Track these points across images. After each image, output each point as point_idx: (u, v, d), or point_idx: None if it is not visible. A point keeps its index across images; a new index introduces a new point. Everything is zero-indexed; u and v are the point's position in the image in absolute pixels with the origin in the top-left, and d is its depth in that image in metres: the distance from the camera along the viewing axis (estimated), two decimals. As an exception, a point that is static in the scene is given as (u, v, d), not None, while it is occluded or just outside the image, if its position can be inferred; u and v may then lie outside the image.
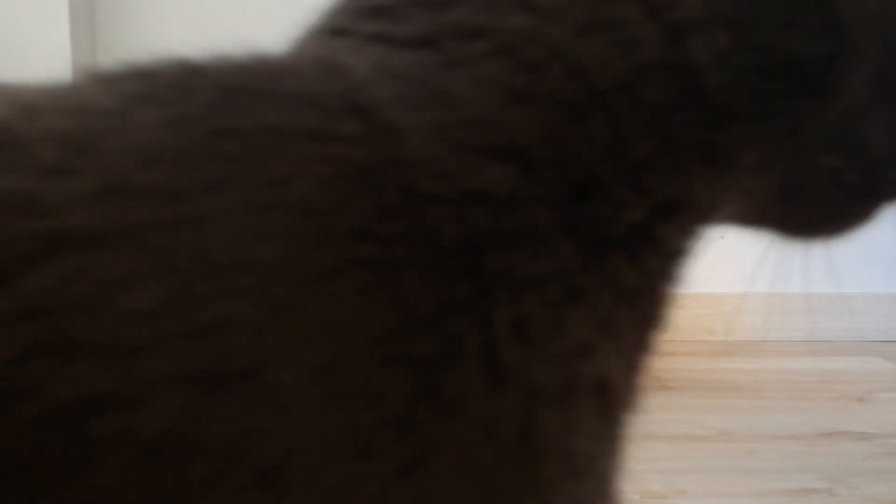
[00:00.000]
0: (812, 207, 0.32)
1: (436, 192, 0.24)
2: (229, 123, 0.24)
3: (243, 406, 0.21)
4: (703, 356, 1.34)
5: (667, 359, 1.26)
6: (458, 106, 0.26)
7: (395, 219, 0.24)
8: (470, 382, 0.23)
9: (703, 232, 0.30)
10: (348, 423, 0.22)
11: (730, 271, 1.41)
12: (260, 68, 0.27)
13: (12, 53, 1.23)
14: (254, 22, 1.39)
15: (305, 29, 0.33)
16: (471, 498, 0.23)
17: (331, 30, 0.31)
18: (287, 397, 0.21)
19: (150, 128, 0.23)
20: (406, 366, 0.23)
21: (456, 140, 0.26)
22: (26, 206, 0.20)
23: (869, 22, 0.29)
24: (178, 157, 0.23)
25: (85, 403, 0.19)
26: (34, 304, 0.19)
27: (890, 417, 1.06)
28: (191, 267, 0.21)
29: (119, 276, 0.20)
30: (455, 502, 0.23)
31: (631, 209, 0.28)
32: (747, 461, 0.90)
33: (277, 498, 0.21)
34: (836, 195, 0.31)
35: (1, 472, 0.19)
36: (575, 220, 0.27)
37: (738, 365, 1.30)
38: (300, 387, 0.21)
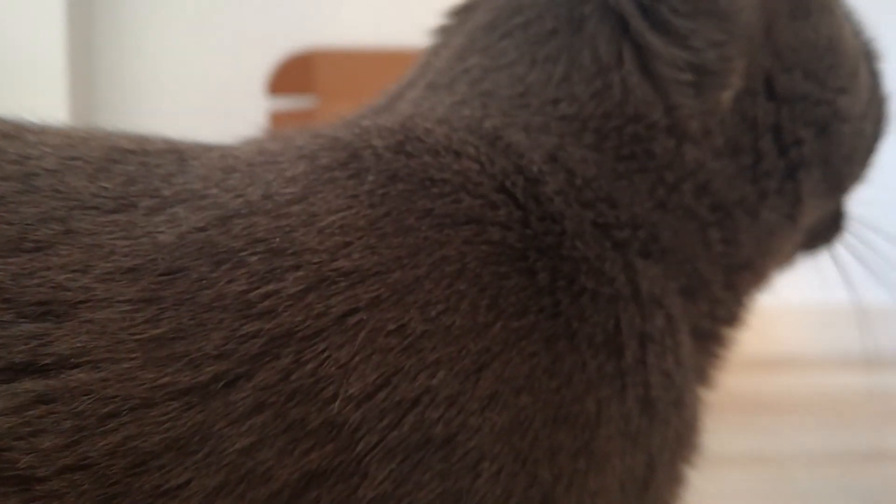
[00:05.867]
0: (823, 238, 0.43)
1: (591, 288, 0.29)
2: (399, 205, 0.27)
3: (444, 470, 0.24)
4: (734, 371, 1.28)
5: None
6: (620, 210, 0.32)
7: (549, 299, 0.28)
8: (613, 443, 0.28)
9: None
10: (530, 481, 0.25)
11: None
12: (416, 146, 0.29)
13: (5, 54, 1.22)
14: (250, 21, 1.38)
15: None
16: None
17: (485, 93, 0.34)
18: (477, 459, 0.24)
19: (332, 212, 0.26)
20: (570, 425, 0.27)
21: (614, 243, 0.31)
22: (246, 309, 0.23)
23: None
24: (364, 238, 0.26)
25: (308, 479, 0.22)
26: (262, 399, 0.22)
27: (937, 438, 1.01)
28: (395, 344, 0.24)
29: (333, 365, 0.23)
30: None
31: (724, 305, 0.36)
32: (781, 485, 0.86)
33: None
34: (833, 227, 0.43)
35: None
36: (686, 314, 0.34)
37: (771, 381, 1.25)
38: (487, 448, 0.25)
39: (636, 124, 0.33)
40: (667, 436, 0.31)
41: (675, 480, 0.32)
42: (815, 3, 0.37)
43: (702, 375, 0.36)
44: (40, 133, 0.28)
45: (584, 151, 0.32)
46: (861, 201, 0.43)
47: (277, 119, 1.27)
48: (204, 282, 0.24)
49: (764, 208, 0.36)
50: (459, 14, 0.38)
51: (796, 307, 1.33)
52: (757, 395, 1.18)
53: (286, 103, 1.32)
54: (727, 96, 0.34)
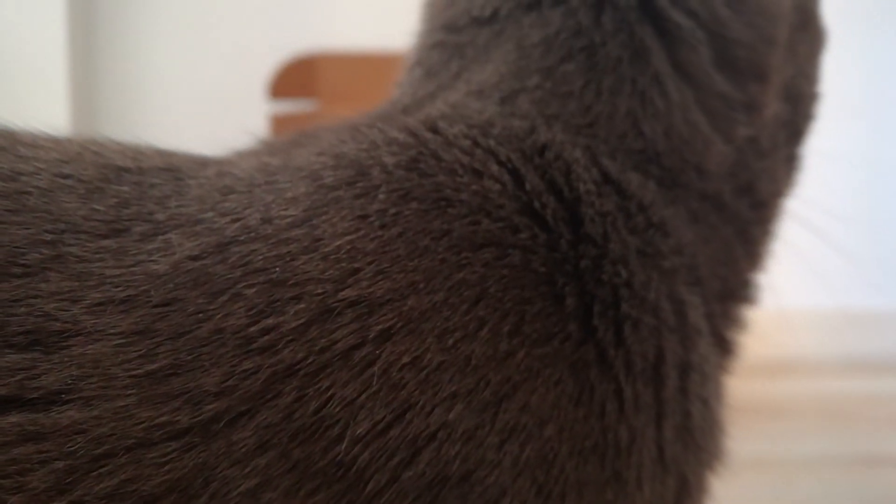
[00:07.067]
0: None
1: (635, 316, 0.28)
2: (413, 226, 0.26)
3: None
4: (735, 376, 1.27)
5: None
6: (670, 238, 0.31)
7: (576, 325, 0.27)
8: (645, 471, 0.27)
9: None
10: None
11: (762, 285, 1.36)
12: (430, 164, 0.28)
13: (6, 59, 1.22)
14: (252, 24, 1.38)
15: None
16: None
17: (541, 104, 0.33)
18: (497, 495, 0.23)
19: (339, 235, 0.25)
20: (599, 456, 0.26)
21: (661, 272, 0.30)
22: (245, 345, 0.22)
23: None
24: (374, 262, 0.24)
25: None
26: (265, 438, 0.21)
27: (937, 444, 1.00)
28: (409, 378, 0.23)
29: (337, 404, 0.22)
30: None
31: (744, 305, 0.38)
32: (782, 491, 0.86)
33: None
34: None
35: None
36: (711, 327, 0.33)
37: (771, 386, 1.24)
38: (508, 484, 0.24)
39: (701, 157, 0.34)
40: (700, 459, 0.30)
41: (702, 491, 0.32)
42: (810, 10, 0.39)
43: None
44: (33, 146, 0.27)
45: (642, 178, 0.32)
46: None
47: (279, 123, 1.27)
48: (200, 315, 0.23)
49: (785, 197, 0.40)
50: (483, 25, 0.36)
51: (798, 312, 1.32)
52: (758, 400, 1.17)
53: (288, 107, 1.32)
54: (769, 112, 0.36)
